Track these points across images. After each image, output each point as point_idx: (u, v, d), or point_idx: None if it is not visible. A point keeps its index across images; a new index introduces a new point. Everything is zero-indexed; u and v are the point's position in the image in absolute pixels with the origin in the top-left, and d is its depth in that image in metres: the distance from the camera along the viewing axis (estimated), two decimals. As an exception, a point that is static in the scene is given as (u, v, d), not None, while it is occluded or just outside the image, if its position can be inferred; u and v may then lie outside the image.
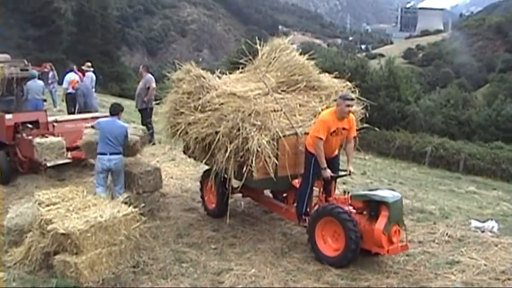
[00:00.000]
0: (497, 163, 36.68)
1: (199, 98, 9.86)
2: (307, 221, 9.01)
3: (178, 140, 10.70)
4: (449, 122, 50.90)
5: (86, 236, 7.60)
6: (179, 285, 7.73)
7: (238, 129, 8.86)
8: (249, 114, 8.92)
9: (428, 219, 11.04)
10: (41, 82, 18.56)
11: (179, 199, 12.03)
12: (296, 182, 9.31)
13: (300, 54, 10.94)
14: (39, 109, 16.56)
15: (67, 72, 21.13)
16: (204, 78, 10.13)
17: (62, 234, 7.58)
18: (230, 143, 8.96)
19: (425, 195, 15.90)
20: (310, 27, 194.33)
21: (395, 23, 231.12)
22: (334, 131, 8.85)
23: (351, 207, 8.56)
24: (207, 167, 10.56)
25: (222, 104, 9.38)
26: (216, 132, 9.20)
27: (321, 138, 8.65)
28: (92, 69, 21.20)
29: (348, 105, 8.76)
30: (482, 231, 10.55)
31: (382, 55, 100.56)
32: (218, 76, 10.69)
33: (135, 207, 8.31)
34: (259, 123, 8.84)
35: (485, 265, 8.53)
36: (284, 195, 10.32)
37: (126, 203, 8.62)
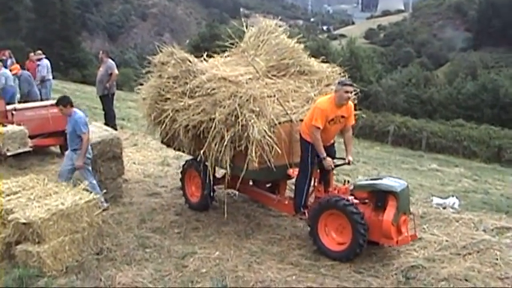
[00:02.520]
0: (459, 141, 37.37)
1: (186, 83, 9.37)
2: (306, 213, 8.67)
3: (157, 128, 10.30)
4: (411, 101, 51.65)
5: (48, 225, 7.58)
6: (143, 271, 7.66)
7: (236, 116, 8.36)
8: (247, 100, 8.43)
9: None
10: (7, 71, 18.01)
11: (142, 184, 11.92)
12: (291, 172, 8.82)
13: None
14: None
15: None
16: (189, 61, 9.62)
17: (24, 223, 7.56)
18: (227, 130, 8.48)
19: (388, 174, 16.06)
20: (272, 9, 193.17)
21: (357, 3, 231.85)
22: (333, 119, 8.37)
23: (352, 198, 8.15)
24: (188, 158, 10.33)
25: (214, 89, 8.88)
26: (211, 119, 8.72)
27: (318, 127, 8.20)
28: (44, 55, 20.14)
29: (347, 92, 8.26)
30: (444, 208, 10.70)
31: (343, 36, 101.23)
32: (205, 59, 10.25)
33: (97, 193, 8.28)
34: (257, 109, 8.39)
35: (447, 241, 8.64)
36: (268, 185, 10.11)
37: (87, 189, 8.58)
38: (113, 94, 16.68)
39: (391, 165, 21.75)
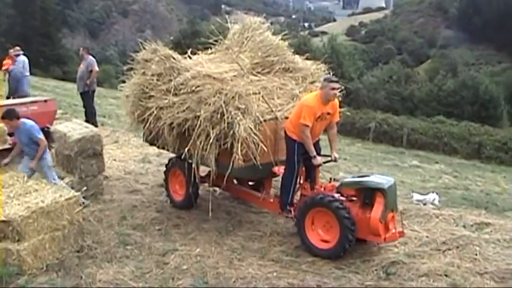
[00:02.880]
0: (439, 137, 37.63)
1: (170, 80, 9.21)
2: (292, 211, 8.63)
3: (140, 126, 10.15)
4: (392, 97, 51.88)
5: (28, 222, 7.50)
6: (124, 268, 7.64)
7: (222, 114, 8.31)
8: (232, 97, 8.39)
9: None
10: None
11: (122, 181, 11.87)
12: (276, 169, 8.78)
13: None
14: None
15: None
16: (173, 58, 9.53)
17: (3, 221, 7.45)
18: (212, 128, 8.41)
19: (369, 171, 16.14)
20: (253, 5, 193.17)
21: (338, 0, 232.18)
22: (319, 116, 8.33)
23: (338, 195, 8.13)
24: (172, 156, 10.20)
25: (198, 86, 8.78)
26: (196, 117, 8.62)
27: (307, 125, 8.15)
28: (22, 52, 19.90)
29: (333, 88, 8.23)
30: (424, 204, 10.79)
31: (325, 33, 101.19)
32: (189, 56, 10.16)
33: (77, 191, 8.23)
34: (243, 106, 8.33)
35: (427, 237, 8.72)
36: (251, 183, 10.08)
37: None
38: (94, 91, 16.65)
39: (372, 161, 21.90)
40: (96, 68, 16.47)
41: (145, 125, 9.78)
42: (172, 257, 8.06)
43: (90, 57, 16.60)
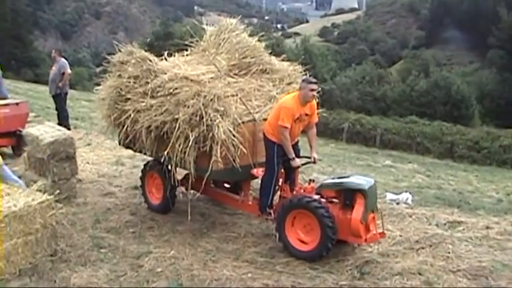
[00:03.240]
0: (412, 137, 38.00)
1: (147, 83, 9.12)
2: (272, 214, 8.61)
3: (116, 129, 10.00)
4: (365, 98, 52.14)
5: (0, 227, 7.44)
6: (98, 271, 7.59)
7: (201, 116, 8.19)
8: (211, 99, 8.29)
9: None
10: None
11: (96, 184, 11.76)
12: (255, 172, 8.73)
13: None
14: None
15: None
16: (150, 60, 9.39)
17: (-25, 226, 7.41)
18: (191, 131, 8.28)
19: (343, 171, 16.21)
20: (226, 7, 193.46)
21: (311, 1, 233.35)
22: (298, 118, 8.38)
23: (318, 196, 8.11)
24: (149, 159, 10.12)
25: (176, 88, 8.68)
26: (174, 120, 8.50)
27: (286, 127, 8.18)
28: None
29: (312, 90, 8.28)
30: (397, 203, 10.86)
31: (298, 34, 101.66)
32: (165, 58, 10.09)
33: (50, 194, 8.16)
34: (222, 108, 8.25)
35: (400, 236, 8.81)
36: (227, 185, 10.03)
37: (41, 190, 8.47)
38: (66, 93, 16.58)
39: (346, 162, 21.97)
40: (69, 71, 16.40)
41: (122, 129, 9.64)
42: (146, 259, 8.01)
43: (63, 59, 16.52)
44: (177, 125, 8.41)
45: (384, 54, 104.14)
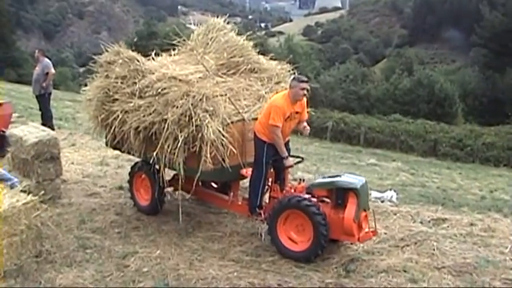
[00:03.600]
0: (396, 135, 38.20)
1: (135, 83, 8.99)
2: (262, 214, 8.55)
3: (103, 130, 9.86)
4: (349, 96, 52.30)
5: (-16, 228, 7.41)
6: (84, 272, 7.57)
7: (190, 116, 8.11)
8: (200, 99, 8.19)
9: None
10: None
11: (80, 185, 11.65)
12: (245, 172, 8.68)
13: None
14: None
15: None
16: (137, 60, 9.24)
17: (-41, 227, 7.36)
18: (180, 131, 8.19)
19: (327, 169, 16.28)
20: (210, 6, 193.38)
21: (294, 0, 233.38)
22: (289, 116, 8.31)
23: (309, 196, 8.05)
24: (136, 160, 9.99)
25: (165, 88, 8.57)
26: (163, 120, 8.39)
27: (277, 126, 8.13)
28: None
29: (303, 88, 8.25)
30: (382, 201, 10.95)
31: (281, 33, 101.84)
32: (152, 58, 9.98)
33: (35, 195, 8.12)
34: (211, 108, 8.16)
35: (385, 233, 8.91)
36: (215, 185, 10.00)
37: (25, 191, 8.42)
38: (50, 94, 16.51)
39: (330, 160, 22.06)
40: (53, 71, 16.34)
41: (109, 130, 9.52)
42: (132, 259, 7.98)
43: (46, 59, 16.45)
44: (166, 126, 8.32)
45: (368, 53, 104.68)
